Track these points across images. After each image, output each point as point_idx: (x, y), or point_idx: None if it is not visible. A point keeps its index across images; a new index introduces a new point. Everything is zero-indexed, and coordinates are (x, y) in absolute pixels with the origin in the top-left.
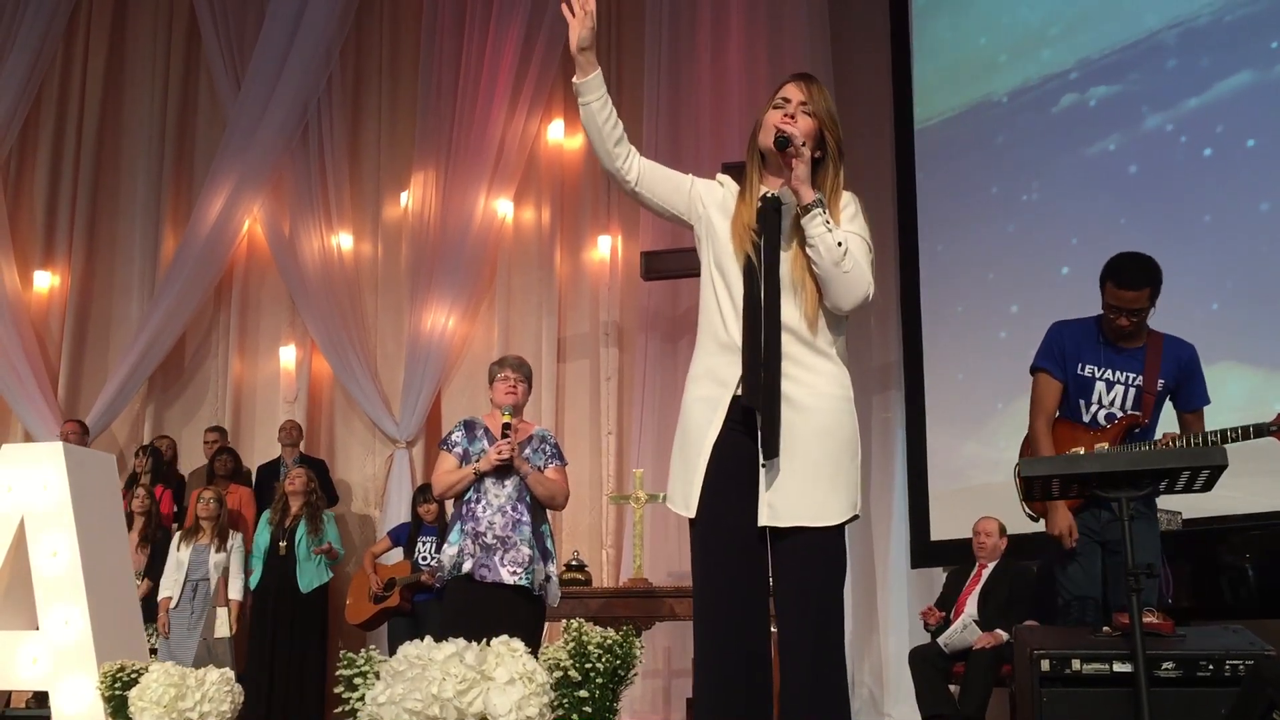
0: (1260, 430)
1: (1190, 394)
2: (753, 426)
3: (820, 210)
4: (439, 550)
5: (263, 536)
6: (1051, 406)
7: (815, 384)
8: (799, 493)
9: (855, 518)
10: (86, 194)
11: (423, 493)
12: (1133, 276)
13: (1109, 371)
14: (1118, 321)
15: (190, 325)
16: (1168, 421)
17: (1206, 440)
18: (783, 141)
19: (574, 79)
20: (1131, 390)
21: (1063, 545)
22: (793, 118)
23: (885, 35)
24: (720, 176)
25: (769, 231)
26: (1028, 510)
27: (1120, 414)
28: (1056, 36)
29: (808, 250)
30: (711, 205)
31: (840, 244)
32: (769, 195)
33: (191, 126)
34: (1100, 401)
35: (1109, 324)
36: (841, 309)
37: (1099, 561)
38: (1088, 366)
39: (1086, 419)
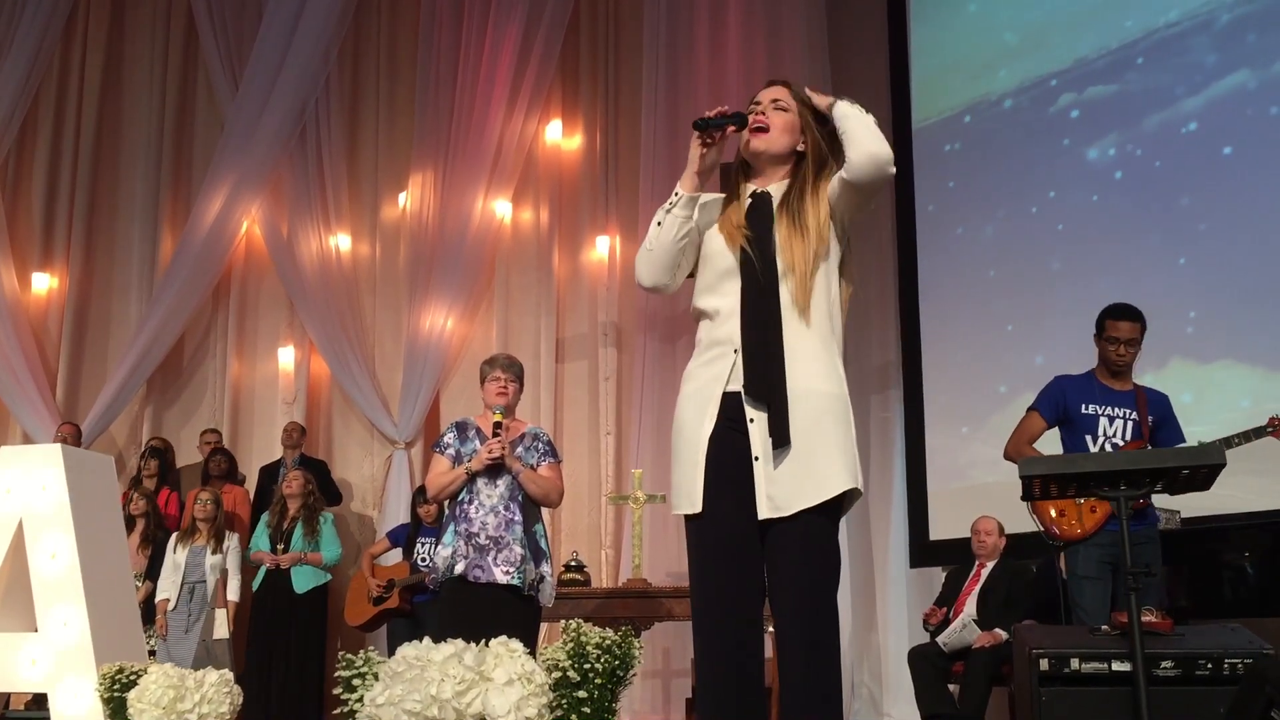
0: (1259, 433)
1: (1169, 435)
2: (744, 421)
3: (847, 101)
4: (435, 552)
5: (261, 539)
6: (1032, 436)
7: (807, 374)
8: (796, 476)
9: (858, 492)
10: (84, 195)
11: (421, 494)
12: (1127, 310)
13: (1109, 408)
14: (1118, 353)
15: (188, 327)
16: None
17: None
18: (702, 123)
19: (681, 187)
20: (1130, 423)
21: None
22: (762, 116)
23: (883, 35)
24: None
25: (760, 227)
26: (1050, 536)
27: (1123, 443)
28: (1054, 36)
29: (838, 121)
30: (703, 215)
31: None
32: (757, 192)
33: (189, 127)
34: (1105, 434)
35: (1108, 361)
36: (865, 169)
37: (1110, 587)
38: (1090, 406)
39: (1095, 450)
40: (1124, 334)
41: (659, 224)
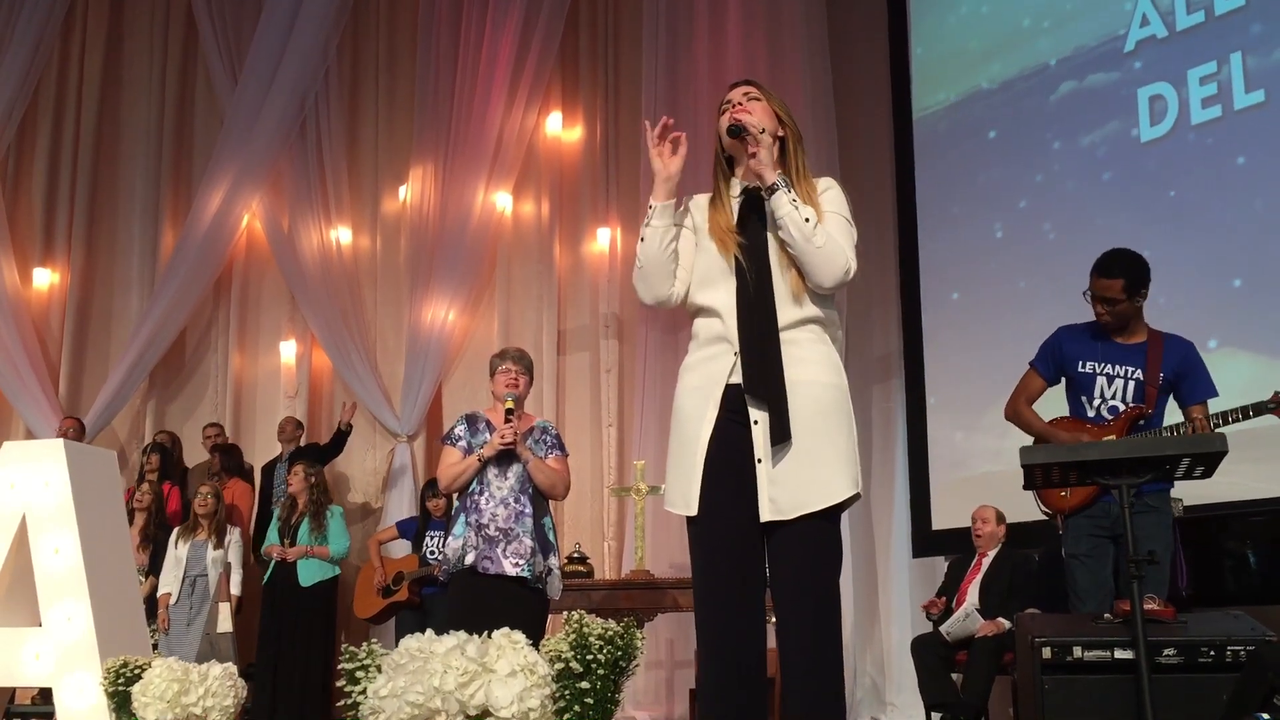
0: (1260, 409)
1: (1193, 387)
2: (746, 416)
3: (785, 189)
4: (445, 544)
5: (273, 534)
6: (1031, 395)
7: (805, 367)
8: (799, 480)
9: (858, 496)
10: (85, 190)
11: (431, 487)
12: (1106, 265)
13: (1109, 366)
14: (1096, 309)
15: (190, 321)
16: (1172, 416)
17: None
18: (735, 129)
19: (653, 199)
20: (1132, 383)
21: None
22: (741, 104)
23: (883, 25)
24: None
25: (753, 230)
26: (1043, 508)
27: (1123, 407)
28: (1054, 24)
29: (779, 233)
30: (698, 215)
31: (809, 220)
32: (748, 188)
33: (189, 122)
34: (1102, 395)
35: (1098, 317)
36: (823, 286)
37: (1109, 564)
38: (1088, 364)
39: (1091, 414)
40: (1101, 291)
41: (643, 240)
